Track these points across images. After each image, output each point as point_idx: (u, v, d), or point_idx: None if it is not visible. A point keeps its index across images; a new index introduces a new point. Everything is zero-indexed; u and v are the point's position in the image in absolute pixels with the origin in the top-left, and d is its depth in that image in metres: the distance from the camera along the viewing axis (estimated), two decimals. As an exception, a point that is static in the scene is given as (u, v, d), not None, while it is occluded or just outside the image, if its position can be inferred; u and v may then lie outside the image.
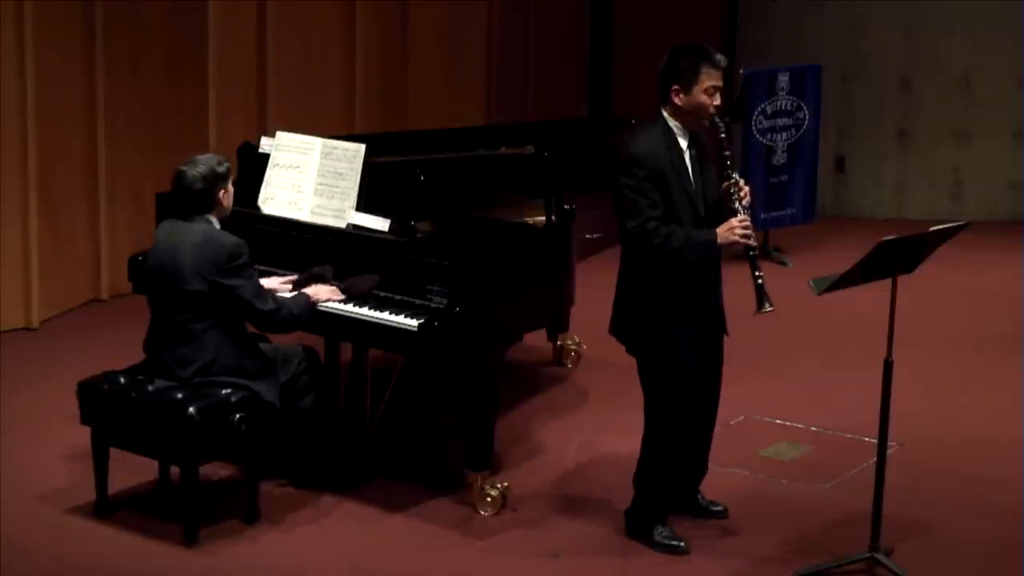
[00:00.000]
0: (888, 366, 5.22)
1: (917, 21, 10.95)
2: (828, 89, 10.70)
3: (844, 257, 5.26)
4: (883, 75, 11.06)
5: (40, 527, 5.65)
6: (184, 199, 5.53)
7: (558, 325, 7.41)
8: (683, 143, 5.27)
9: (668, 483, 5.55)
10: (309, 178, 6.03)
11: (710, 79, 5.19)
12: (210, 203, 5.52)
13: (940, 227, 5.20)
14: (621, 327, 5.45)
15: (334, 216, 5.95)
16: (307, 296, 5.67)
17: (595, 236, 9.99)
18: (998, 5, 10.79)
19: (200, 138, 8.88)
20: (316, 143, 6.08)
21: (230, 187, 5.60)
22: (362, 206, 5.93)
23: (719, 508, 5.73)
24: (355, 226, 5.91)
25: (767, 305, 5.21)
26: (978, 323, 8.50)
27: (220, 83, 8.93)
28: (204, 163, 5.54)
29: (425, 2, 10.25)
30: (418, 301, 5.66)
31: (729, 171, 5.25)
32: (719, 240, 5.18)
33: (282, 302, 5.55)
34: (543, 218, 6.45)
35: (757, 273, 5.22)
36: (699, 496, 5.73)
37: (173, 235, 5.54)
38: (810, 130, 10.01)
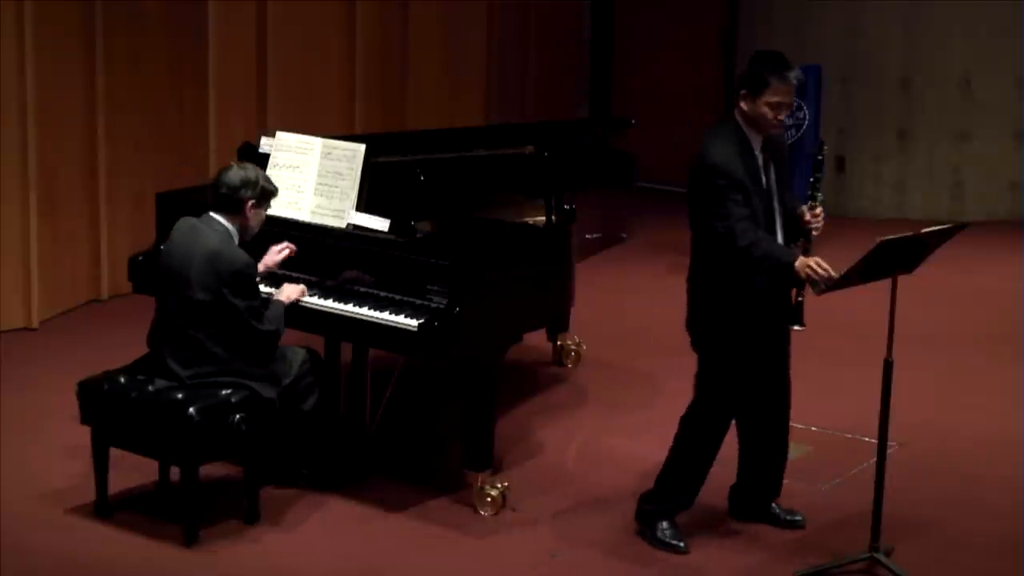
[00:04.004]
0: (888, 366, 5.22)
1: (917, 21, 10.95)
2: (828, 89, 10.71)
3: (844, 257, 5.25)
4: (883, 75, 11.06)
5: (40, 527, 5.65)
6: (215, 193, 5.53)
7: (558, 325, 7.40)
8: (755, 146, 5.28)
9: (692, 483, 5.54)
10: (309, 178, 6.03)
11: (776, 94, 5.19)
12: (233, 207, 5.49)
13: (939, 227, 5.20)
14: (691, 321, 5.45)
15: (334, 216, 5.95)
16: (281, 304, 5.67)
17: (595, 236, 10.01)
18: (998, 5, 10.79)
19: (200, 138, 8.89)
20: (316, 143, 6.08)
21: (263, 211, 5.58)
22: (362, 206, 5.93)
23: (798, 518, 5.71)
24: (355, 226, 5.91)
25: (800, 324, 5.34)
26: (978, 323, 8.50)
27: (220, 83, 8.94)
28: (252, 170, 5.55)
29: (425, 2, 10.26)
30: (418, 301, 5.66)
31: (815, 193, 5.34)
32: (797, 266, 5.13)
33: (272, 323, 5.55)
34: (543, 218, 6.45)
35: (801, 292, 5.29)
36: (774, 507, 5.72)
37: (189, 239, 5.51)
38: (810, 130, 10.01)
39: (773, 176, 5.33)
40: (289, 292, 5.76)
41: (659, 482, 5.57)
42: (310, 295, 5.82)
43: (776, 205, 5.33)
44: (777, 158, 5.37)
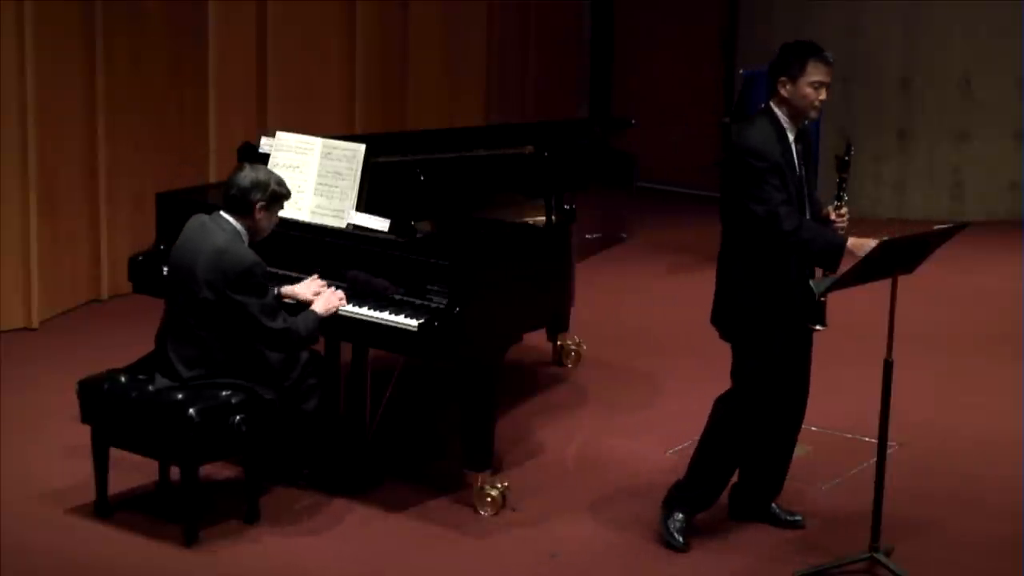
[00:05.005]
0: (888, 366, 5.22)
1: (917, 21, 10.95)
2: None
3: (844, 257, 5.26)
4: (883, 75, 11.06)
5: (40, 527, 5.65)
6: (225, 193, 5.53)
7: (558, 325, 7.40)
8: (790, 136, 5.32)
9: (721, 478, 5.55)
10: (309, 178, 6.03)
11: (817, 73, 5.26)
12: (242, 208, 5.47)
13: (940, 227, 5.20)
14: (720, 315, 5.45)
15: (334, 216, 5.95)
16: (315, 313, 5.61)
17: (595, 236, 10.01)
18: (998, 5, 10.79)
19: (200, 138, 8.88)
20: (316, 143, 6.08)
21: (274, 213, 5.56)
22: (362, 206, 5.93)
23: (798, 518, 5.71)
24: (355, 226, 5.91)
25: (821, 324, 5.35)
26: (978, 323, 8.50)
27: (220, 83, 8.94)
28: (264, 173, 5.54)
29: (425, 2, 10.26)
30: (418, 301, 5.66)
31: (841, 193, 5.38)
32: (850, 245, 5.19)
33: (292, 323, 5.52)
34: (543, 218, 6.45)
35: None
36: (774, 507, 5.71)
37: (198, 236, 5.50)
38: (811, 130, 10.00)
39: (804, 168, 5.36)
40: (327, 304, 5.66)
41: (688, 474, 5.57)
42: (288, 287, 5.80)
43: (806, 195, 5.36)
44: (806, 153, 5.39)
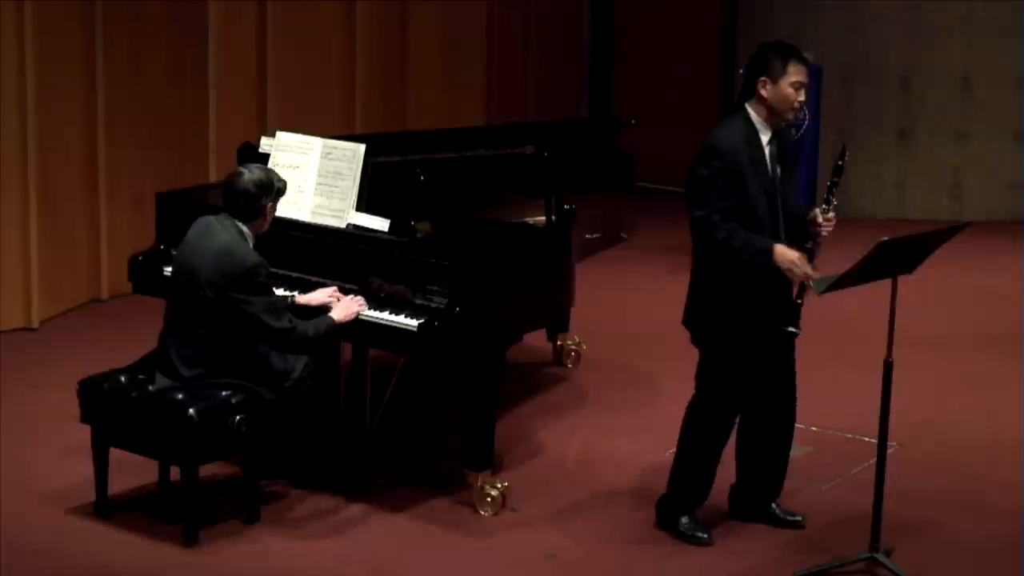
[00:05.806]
0: (888, 366, 5.22)
1: (917, 21, 10.95)
2: (828, 89, 10.71)
3: (844, 257, 5.27)
4: (883, 75, 11.06)
5: (40, 527, 5.65)
6: (231, 203, 5.49)
7: (558, 325, 7.40)
8: (764, 138, 5.31)
9: (703, 477, 5.55)
10: (309, 178, 6.03)
11: (797, 74, 5.27)
12: (254, 213, 5.48)
13: (941, 227, 5.20)
14: (690, 316, 5.45)
15: (334, 216, 5.95)
16: (331, 319, 5.59)
17: (595, 236, 10.00)
18: (998, 5, 10.80)
19: (200, 138, 8.88)
20: (316, 143, 6.08)
21: (276, 206, 5.57)
22: (362, 206, 5.93)
23: (798, 518, 5.71)
24: (355, 226, 5.91)
25: (794, 327, 5.32)
26: (978, 323, 8.50)
27: (220, 83, 8.94)
28: (260, 172, 5.52)
29: (425, 2, 10.26)
30: (418, 301, 5.66)
31: (830, 197, 5.38)
32: (776, 257, 5.19)
33: (298, 323, 5.51)
34: (543, 218, 6.45)
35: (801, 296, 5.30)
36: (774, 507, 5.71)
37: (202, 237, 5.50)
38: (810, 130, 10.00)
39: (779, 172, 5.34)
40: (347, 311, 5.64)
41: (671, 482, 5.58)
42: (305, 295, 5.80)
43: (778, 196, 5.34)
44: (783, 156, 5.38)
